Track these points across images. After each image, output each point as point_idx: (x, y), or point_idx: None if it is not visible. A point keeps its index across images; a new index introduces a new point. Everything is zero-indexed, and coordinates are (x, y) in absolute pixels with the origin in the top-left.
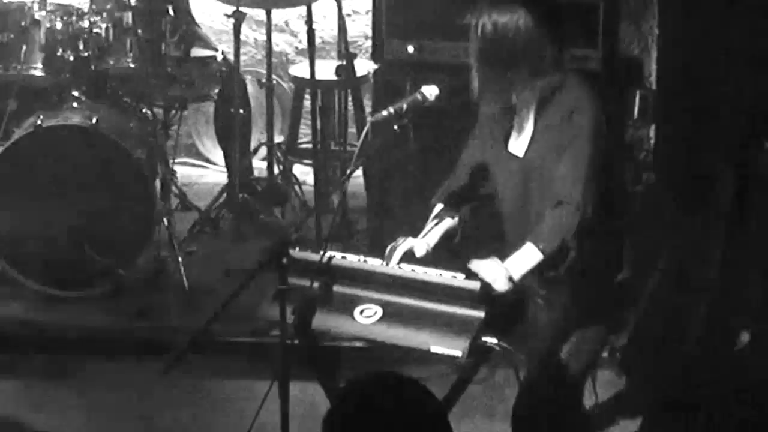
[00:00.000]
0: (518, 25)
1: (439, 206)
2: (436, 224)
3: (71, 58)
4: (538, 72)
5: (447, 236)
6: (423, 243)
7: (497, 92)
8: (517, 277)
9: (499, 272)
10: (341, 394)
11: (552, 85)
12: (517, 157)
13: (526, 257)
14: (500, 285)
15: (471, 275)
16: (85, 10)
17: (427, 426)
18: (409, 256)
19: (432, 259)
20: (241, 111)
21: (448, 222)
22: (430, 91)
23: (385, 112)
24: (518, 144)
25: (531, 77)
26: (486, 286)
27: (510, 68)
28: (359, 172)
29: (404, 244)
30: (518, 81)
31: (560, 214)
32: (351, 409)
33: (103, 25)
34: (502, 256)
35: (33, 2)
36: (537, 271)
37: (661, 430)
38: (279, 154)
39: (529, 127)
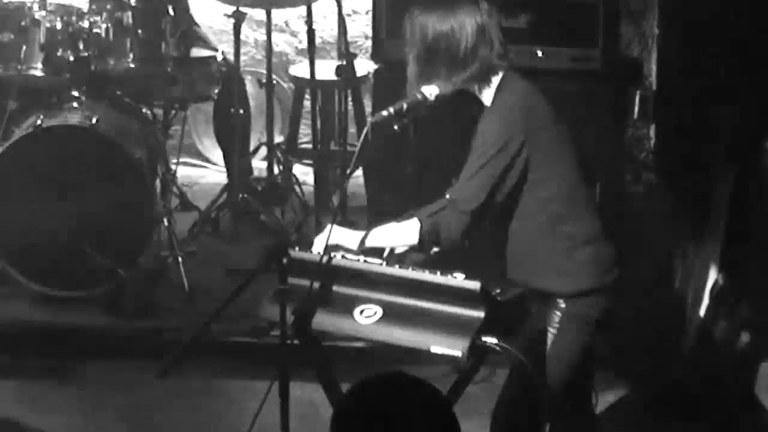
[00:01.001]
0: (429, 23)
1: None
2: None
3: (71, 58)
4: (454, 67)
5: None
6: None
7: (414, 80)
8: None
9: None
10: (349, 393)
11: (473, 77)
12: None
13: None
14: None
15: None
16: (85, 10)
17: (437, 426)
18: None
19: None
20: (241, 111)
21: None
22: (431, 91)
23: (385, 112)
24: None
25: (448, 72)
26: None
27: (424, 61)
28: (359, 172)
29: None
30: (433, 74)
31: (443, 203)
32: (359, 408)
33: (103, 25)
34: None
35: (33, 2)
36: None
37: (659, 429)
38: (279, 154)
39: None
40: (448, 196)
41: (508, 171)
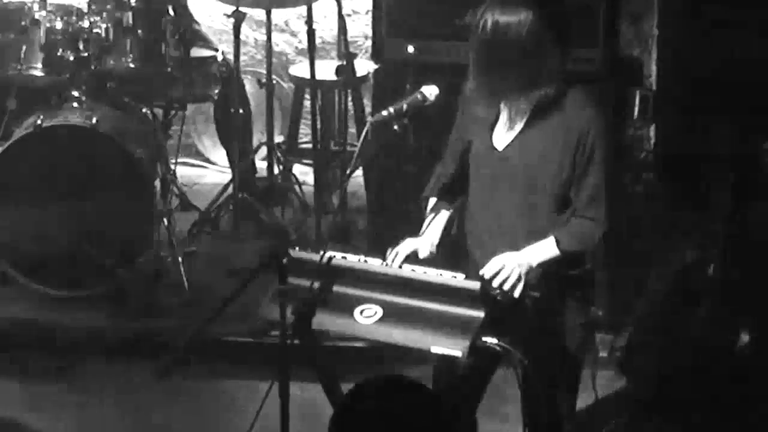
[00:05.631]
0: (520, 28)
1: (433, 200)
2: (434, 219)
3: (71, 58)
4: (534, 84)
5: (444, 229)
6: (427, 243)
7: (487, 98)
8: (535, 263)
9: (513, 262)
10: (349, 396)
11: (549, 95)
12: (495, 149)
13: (545, 248)
14: (514, 274)
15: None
16: (85, 10)
17: (434, 428)
18: (412, 257)
19: (434, 258)
20: (241, 111)
21: (445, 215)
22: (430, 91)
23: (385, 112)
24: (501, 138)
25: (527, 87)
26: (487, 284)
27: (505, 75)
28: (359, 172)
29: (405, 245)
30: (512, 90)
31: (588, 225)
32: (358, 411)
33: (103, 25)
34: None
35: (33, 2)
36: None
37: (659, 429)
38: (279, 154)
39: (518, 127)
40: (592, 218)
41: None
